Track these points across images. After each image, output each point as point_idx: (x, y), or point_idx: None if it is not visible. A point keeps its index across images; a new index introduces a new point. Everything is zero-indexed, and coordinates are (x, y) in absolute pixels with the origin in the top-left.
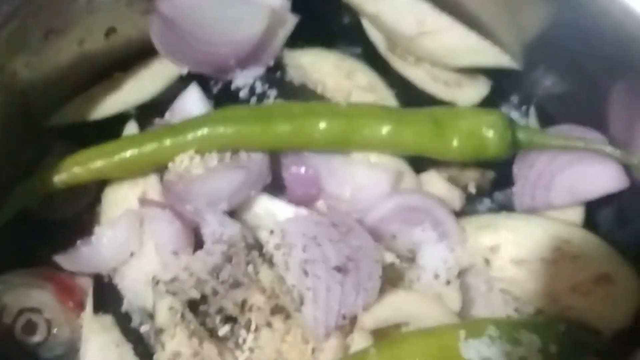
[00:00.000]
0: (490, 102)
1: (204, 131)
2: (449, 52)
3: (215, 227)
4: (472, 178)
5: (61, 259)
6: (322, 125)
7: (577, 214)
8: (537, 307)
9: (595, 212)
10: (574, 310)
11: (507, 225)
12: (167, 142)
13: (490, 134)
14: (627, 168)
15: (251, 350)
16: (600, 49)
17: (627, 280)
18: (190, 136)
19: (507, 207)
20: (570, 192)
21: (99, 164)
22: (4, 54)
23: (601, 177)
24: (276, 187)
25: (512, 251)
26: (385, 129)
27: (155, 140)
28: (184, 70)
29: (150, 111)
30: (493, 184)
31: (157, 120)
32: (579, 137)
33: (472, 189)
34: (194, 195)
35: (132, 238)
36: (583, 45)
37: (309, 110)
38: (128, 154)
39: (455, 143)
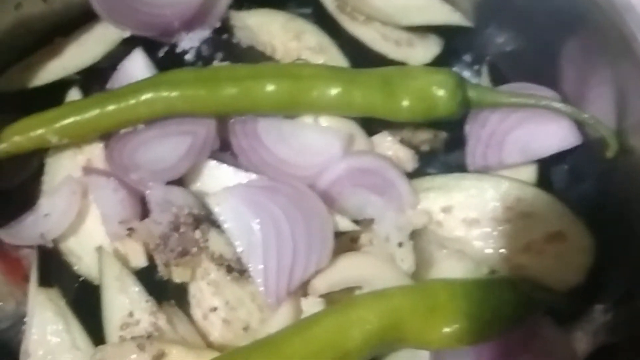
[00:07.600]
0: (442, 62)
1: (147, 96)
2: (399, 10)
3: (161, 195)
4: (425, 139)
5: (3, 233)
6: (270, 87)
7: (529, 173)
8: (490, 267)
9: (548, 170)
10: (527, 269)
11: (459, 185)
12: (110, 107)
13: (440, 93)
14: (580, 125)
15: (204, 317)
16: (550, 3)
17: (580, 238)
18: (133, 101)
19: (460, 167)
20: (523, 150)
21: (39, 131)
22: None
23: (553, 134)
24: (226, 152)
25: (464, 212)
26: (334, 91)
27: (97, 106)
28: (126, 34)
29: (95, 77)
30: (446, 144)
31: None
32: (531, 94)
33: (426, 150)
34: (138, 164)
35: (73, 206)
36: (533, 1)
37: (256, 72)
38: (69, 120)
39: (405, 103)
